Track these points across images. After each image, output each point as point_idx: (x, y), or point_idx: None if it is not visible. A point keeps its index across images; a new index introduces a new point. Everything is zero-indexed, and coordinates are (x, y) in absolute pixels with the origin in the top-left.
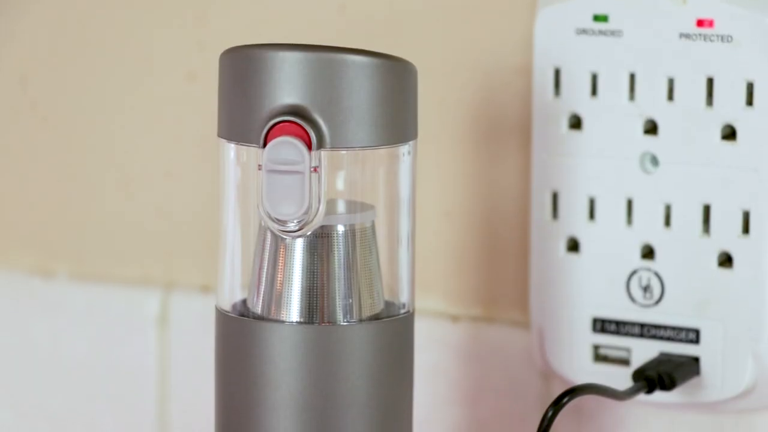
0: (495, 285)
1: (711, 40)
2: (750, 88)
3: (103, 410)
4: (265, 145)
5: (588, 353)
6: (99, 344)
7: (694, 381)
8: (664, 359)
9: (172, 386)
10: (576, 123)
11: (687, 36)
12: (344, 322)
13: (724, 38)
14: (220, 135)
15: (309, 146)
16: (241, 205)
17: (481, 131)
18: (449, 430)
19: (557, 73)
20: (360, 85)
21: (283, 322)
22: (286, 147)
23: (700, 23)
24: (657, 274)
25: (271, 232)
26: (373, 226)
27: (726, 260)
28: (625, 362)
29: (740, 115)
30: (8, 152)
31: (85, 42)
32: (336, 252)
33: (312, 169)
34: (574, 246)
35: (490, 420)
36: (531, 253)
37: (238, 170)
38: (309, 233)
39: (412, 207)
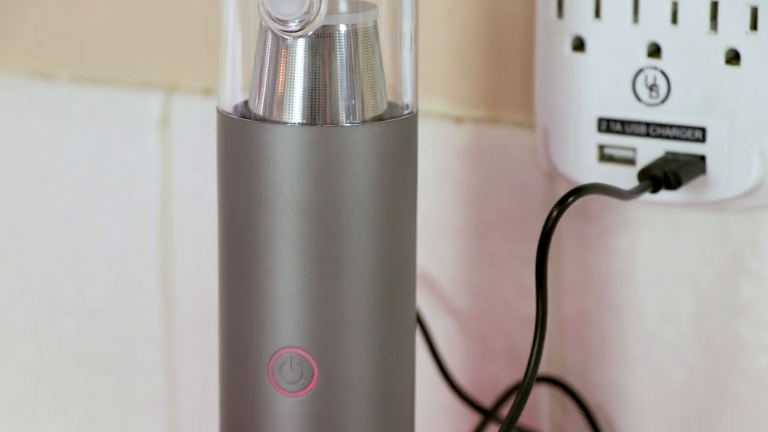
0: (499, 86)
1: None
2: None
3: (105, 213)
4: None
5: (593, 153)
6: (101, 147)
7: (699, 179)
8: (669, 158)
9: (174, 189)
10: None
11: None
12: (347, 123)
13: None
14: None
15: None
16: (242, 6)
17: None
18: (454, 231)
19: None
20: None
21: (285, 123)
22: None
23: None
24: (663, 73)
25: (272, 32)
26: (375, 26)
27: (733, 57)
28: (630, 162)
29: None
30: None
31: None
32: (338, 52)
33: None
34: (579, 45)
35: (495, 221)
36: (536, 52)
37: None
38: (310, 33)
39: (415, 6)
